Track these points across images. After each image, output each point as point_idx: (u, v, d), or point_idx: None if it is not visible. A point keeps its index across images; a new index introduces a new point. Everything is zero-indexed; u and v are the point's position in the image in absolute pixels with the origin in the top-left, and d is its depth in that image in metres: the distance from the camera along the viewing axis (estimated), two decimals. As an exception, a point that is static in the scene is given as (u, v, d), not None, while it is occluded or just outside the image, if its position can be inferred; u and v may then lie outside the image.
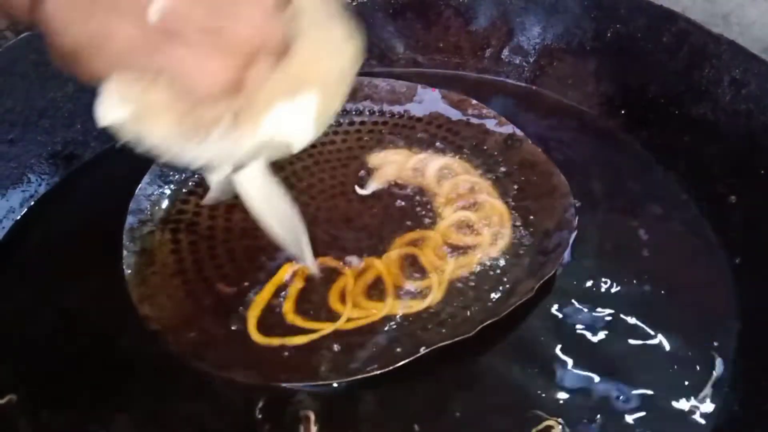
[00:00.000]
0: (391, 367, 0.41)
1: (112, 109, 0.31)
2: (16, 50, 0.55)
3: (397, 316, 0.45)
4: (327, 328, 0.44)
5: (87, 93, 0.60)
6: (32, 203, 0.56)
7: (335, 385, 0.42)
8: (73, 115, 0.59)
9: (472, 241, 0.50)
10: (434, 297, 0.46)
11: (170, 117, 0.31)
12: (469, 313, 0.45)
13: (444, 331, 0.44)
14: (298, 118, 0.33)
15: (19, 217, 0.55)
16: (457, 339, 0.42)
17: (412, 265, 0.48)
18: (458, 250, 0.50)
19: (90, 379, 0.43)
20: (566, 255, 0.48)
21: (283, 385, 0.42)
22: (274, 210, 0.41)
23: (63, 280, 0.49)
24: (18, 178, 0.56)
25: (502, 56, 0.67)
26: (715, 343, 0.45)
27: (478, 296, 0.46)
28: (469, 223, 0.51)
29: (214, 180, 0.37)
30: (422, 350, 0.41)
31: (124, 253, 0.48)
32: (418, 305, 0.46)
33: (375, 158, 0.58)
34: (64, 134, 0.59)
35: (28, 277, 0.50)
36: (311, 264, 0.46)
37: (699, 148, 0.55)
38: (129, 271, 0.47)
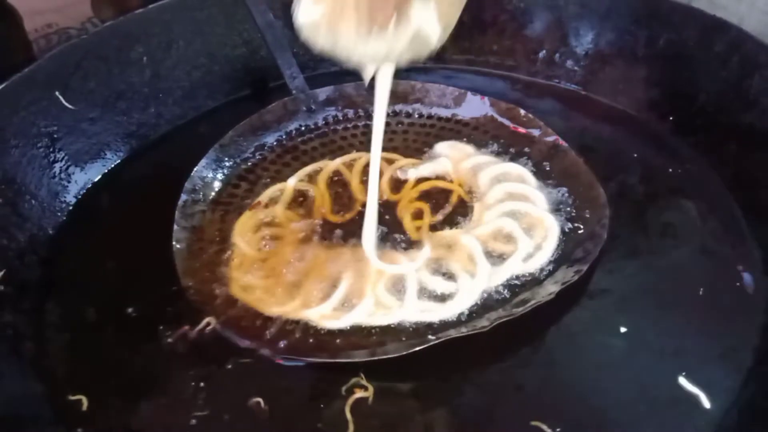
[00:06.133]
0: (401, 353, 0.43)
1: (308, 10, 0.42)
2: (101, 36, 0.60)
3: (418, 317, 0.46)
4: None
5: (161, 80, 0.65)
6: (107, 176, 0.61)
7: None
8: (148, 99, 0.64)
9: (509, 250, 0.50)
10: (462, 303, 0.47)
11: (352, 18, 0.42)
12: (490, 312, 0.46)
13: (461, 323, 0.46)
14: (429, 17, 0.44)
15: (94, 188, 0.59)
16: (472, 332, 0.43)
17: (443, 268, 0.49)
18: (494, 257, 0.50)
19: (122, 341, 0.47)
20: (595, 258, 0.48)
21: (310, 360, 0.44)
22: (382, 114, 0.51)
23: (123, 243, 0.53)
24: (96, 154, 0.61)
25: (555, 60, 0.68)
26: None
27: (504, 298, 0.47)
28: (511, 231, 0.51)
29: (367, 75, 0.47)
30: (431, 338, 0.43)
31: (175, 227, 0.51)
32: (441, 310, 0.46)
33: (441, 145, 0.60)
34: (138, 116, 0.63)
35: (95, 238, 0.55)
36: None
37: (745, 157, 0.55)
38: (177, 245, 0.50)
